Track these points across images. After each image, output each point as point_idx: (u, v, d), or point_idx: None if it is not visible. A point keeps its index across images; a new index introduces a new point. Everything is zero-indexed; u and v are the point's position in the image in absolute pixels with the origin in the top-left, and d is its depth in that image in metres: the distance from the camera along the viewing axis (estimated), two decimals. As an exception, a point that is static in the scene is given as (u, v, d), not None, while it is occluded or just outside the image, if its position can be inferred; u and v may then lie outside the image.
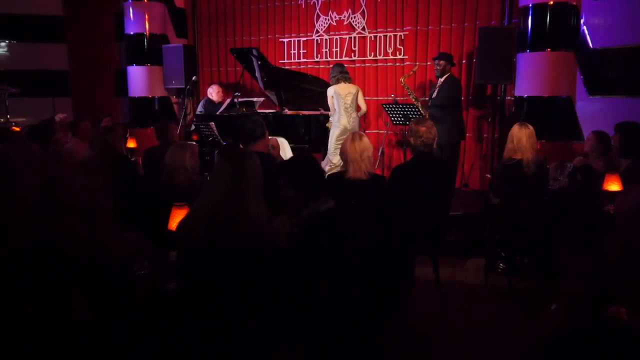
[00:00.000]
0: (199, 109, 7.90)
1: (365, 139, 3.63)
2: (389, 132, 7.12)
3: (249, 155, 2.37)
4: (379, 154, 6.77)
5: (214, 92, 7.78)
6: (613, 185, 3.93)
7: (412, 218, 3.79)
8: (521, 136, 4.23)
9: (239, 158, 2.33)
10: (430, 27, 7.20)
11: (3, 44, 8.87)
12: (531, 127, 4.25)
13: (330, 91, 6.42)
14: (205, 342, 2.15)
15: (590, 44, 6.03)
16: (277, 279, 2.26)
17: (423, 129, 3.93)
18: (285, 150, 6.67)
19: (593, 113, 6.04)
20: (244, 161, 2.31)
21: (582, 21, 6.07)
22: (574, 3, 6.01)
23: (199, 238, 2.20)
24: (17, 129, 6.90)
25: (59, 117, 7.11)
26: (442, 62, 6.23)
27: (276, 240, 2.41)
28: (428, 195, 3.88)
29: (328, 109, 7.10)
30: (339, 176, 3.69)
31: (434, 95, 6.27)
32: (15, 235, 1.87)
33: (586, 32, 6.05)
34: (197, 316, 2.18)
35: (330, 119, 6.55)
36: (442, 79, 6.25)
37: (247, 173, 2.28)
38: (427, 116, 5.98)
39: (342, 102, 6.37)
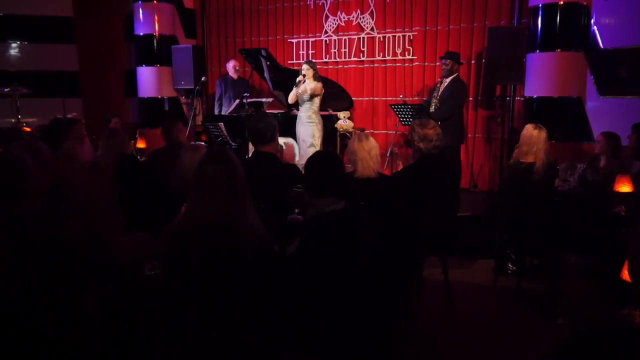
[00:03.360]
0: (217, 89, 7.94)
1: (372, 139, 3.66)
2: (398, 132, 7.10)
3: (233, 156, 2.28)
4: (388, 154, 6.75)
5: (232, 68, 7.80)
6: (624, 187, 3.91)
7: (423, 218, 3.78)
8: (528, 137, 4.18)
9: (227, 161, 2.23)
10: (439, 27, 7.18)
11: (14, 44, 8.94)
12: (543, 129, 4.21)
13: (320, 85, 6.39)
14: (210, 345, 2.14)
15: (601, 44, 5.99)
16: (281, 281, 2.25)
17: (431, 131, 3.92)
18: (295, 151, 6.68)
19: (603, 113, 6.00)
20: (233, 163, 2.22)
21: (592, 21, 6.04)
22: (585, 3, 5.98)
23: (194, 246, 2.14)
24: (27, 129, 6.95)
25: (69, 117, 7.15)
26: (449, 61, 6.15)
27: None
28: (438, 195, 3.88)
29: (336, 110, 7.11)
30: (347, 176, 3.69)
31: (437, 95, 6.20)
32: (26, 236, 1.88)
33: (597, 32, 6.01)
34: (199, 322, 2.15)
35: (313, 115, 6.41)
36: (447, 80, 6.18)
37: (238, 176, 2.20)
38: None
39: None
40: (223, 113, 7.65)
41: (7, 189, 1.94)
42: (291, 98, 6.54)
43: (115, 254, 2.01)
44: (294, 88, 6.46)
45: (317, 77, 6.37)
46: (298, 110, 7.09)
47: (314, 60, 7.23)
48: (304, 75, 6.34)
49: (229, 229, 2.11)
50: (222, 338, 2.11)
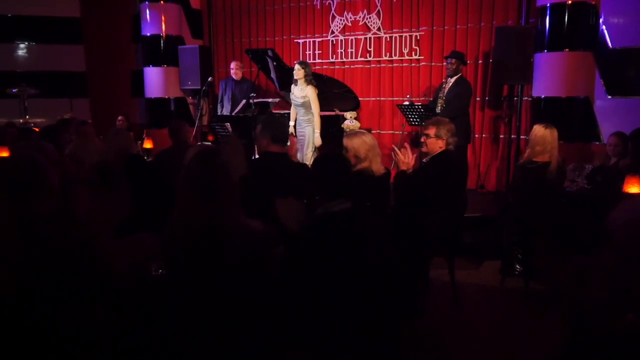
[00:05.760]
0: (220, 89, 7.93)
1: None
2: (404, 132, 7.08)
3: (224, 156, 2.21)
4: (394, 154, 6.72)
5: (231, 69, 7.78)
6: (633, 188, 3.87)
7: (432, 218, 3.75)
8: (538, 137, 4.18)
9: (212, 162, 2.12)
10: (446, 27, 7.15)
11: (22, 45, 8.98)
12: (553, 128, 4.21)
13: (316, 91, 6.30)
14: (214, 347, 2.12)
15: (610, 44, 5.95)
16: (286, 280, 2.23)
17: (452, 126, 3.93)
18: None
19: (612, 114, 5.95)
20: (218, 164, 2.12)
21: (601, 20, 5.99)
22: (593, 2, 5.93)
23: (181, 249, 2.09)
24: (36, 129, 6.99)
25: (67, 115, 7.15)
26: (454, 60, 6.16)
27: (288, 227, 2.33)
28: (450, 195, 3.86)
29: (343, 110, 7.10)
30: (362, 173, 3.54)
31: (442, 95, 6.19)
32: (38, 238, 1.88)
33: (605, 31, 5.97)
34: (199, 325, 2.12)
35: (312, 118, 6.32)
36: (452, 80, 6.18)
37: (222, 177, 2.10)
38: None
39: None
40: (225, 113, 7.65)
41: (26, 190, 1.94)
42: (292, 117, 6.53)
43: (107, 258, 2.00)
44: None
45: (308, 79, 6.25)
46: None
47: (315, 60, 7.25)
48: (296, 80, 6.30)
49: (211, 232, 2.04)
50: (219, 341, 2.09)
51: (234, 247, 2.05)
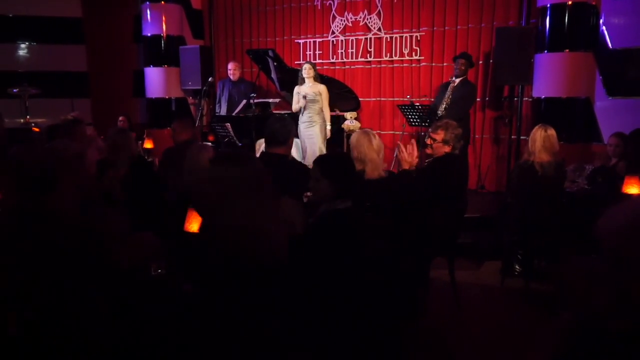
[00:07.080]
0: (218, 90, 7.94)
1: (378, 138, 3.65)
2: (405, 133, 7.09)
3: (251, 158, 2.14)
4: (395, 154, 6.74)
5: (228, 70, 7.80)
6: (633, 188, 3.88)
7: (433, 218, 3.75)
8: (536, 138, 4.20)
9: (244, 162, 2.00)
10: (446, 28, 7.16)
11: (23, 45, 9.00)
12: (551, 130, 4.21)
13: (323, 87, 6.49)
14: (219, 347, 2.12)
15: (610, 44, 5.95)
16: (289, 277, 2.22)
17: (460, 130, 3.94)
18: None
19: (612, 114, 5.96)
20: (250, 165, 2.01)
21: (601, 21, 6.00)
22: (593, 3, 5.94)
23: (215, 259, 1.97)
24: (36, 129, 7.01)
25: (71, 115, 7.15)
26: (463, 61, 6.17)
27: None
28: (452, 196, 3.87)
29: (343, 110, 7.11)
30: (362, 173, 3.55)
31: (449, 95, 6.19)
32: (45, 234, 1.89)
33: (605, 32, 5.97)
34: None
35: (316, 117, 6.46)
36: (457, 80, 6.19)
37: (253, 178, 1.97)
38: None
39: None
40: (222, 113, 7.65)
41: (37, 187, 1.96)
42: (295, 109, 6.58)
43: (115, 255, 2.01)
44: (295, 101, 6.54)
45: (317, 78, 6.43)
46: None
47: (315, 61, 7.29)
48: (304, 79, 6.36)
49: (256, 236, 1.91)
50: (218, 341, 2.08)
51: (269, 249, 1.92)
